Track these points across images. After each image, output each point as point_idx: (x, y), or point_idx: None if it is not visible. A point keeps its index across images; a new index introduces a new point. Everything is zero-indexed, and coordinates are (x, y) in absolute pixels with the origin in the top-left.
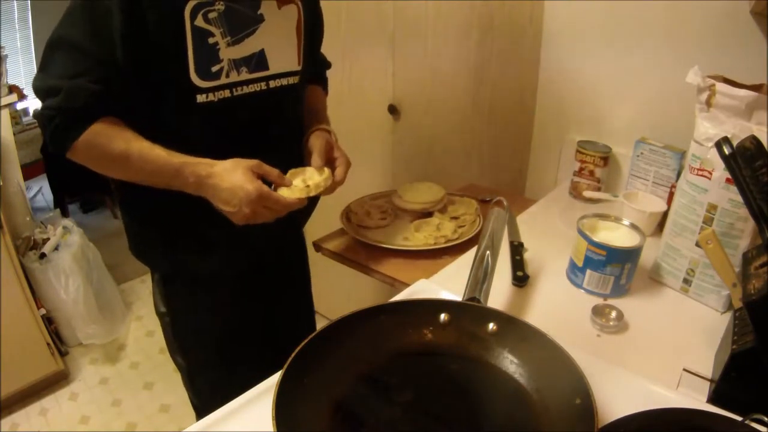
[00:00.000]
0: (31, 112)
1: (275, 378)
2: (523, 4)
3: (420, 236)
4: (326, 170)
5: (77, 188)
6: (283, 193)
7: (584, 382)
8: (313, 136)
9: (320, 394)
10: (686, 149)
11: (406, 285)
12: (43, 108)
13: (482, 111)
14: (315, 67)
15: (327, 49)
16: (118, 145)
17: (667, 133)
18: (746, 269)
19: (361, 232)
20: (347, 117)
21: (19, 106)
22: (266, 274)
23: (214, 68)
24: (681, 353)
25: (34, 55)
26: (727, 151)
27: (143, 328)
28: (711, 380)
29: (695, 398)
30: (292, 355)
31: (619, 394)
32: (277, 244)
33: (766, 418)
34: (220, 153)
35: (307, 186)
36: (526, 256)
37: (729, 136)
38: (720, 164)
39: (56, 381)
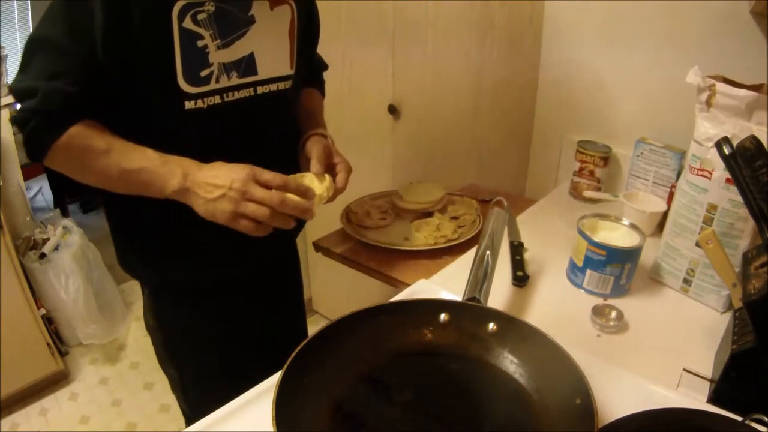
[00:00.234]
0: None
1: (275, 378)
2: (523, 4)
3: (420, 236)
4: (327, 178)
5: (77, 188)
6: None
7: (584, 382)
8: (310, 141)
9: (320, 394)
10: (686, 149)
11: (406, 285)
12: (19, 111)
13: (482, 111)
14: (311, 68)
15: (327, 49)
16: (99, 144)
17: (667, 133)
18: (746, 269)
19: (361, 232)
20: (347, 117)
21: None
22: (259, 287)
23: (203, 73)
24: (681, 353)
25: None
26: (727, 151)
27: (143, 328)
28: (711, 380)
29: (695, 398)
30: (292, 355)
31: (619, 394)
32: (269, 256)
33: (766, 418)
34: (210, 161)
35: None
36: (526, 256)
37: (729, 136)
38: (720, 164)
39: (56, 381)
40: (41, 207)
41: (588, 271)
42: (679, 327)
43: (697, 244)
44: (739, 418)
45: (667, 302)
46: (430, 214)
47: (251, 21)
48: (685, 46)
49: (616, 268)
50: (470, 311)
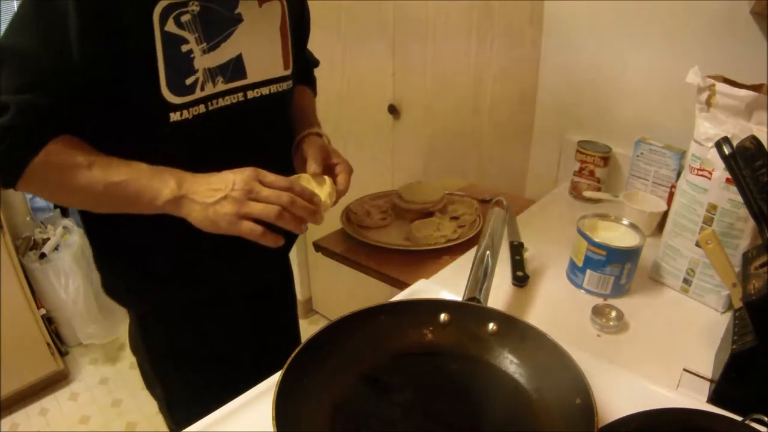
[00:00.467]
0: None
1: (275, 378)
2: (523, 4)
3: (420, 236)
4: (328, 181)
5: None
6: None
7: (584, 382)
8: (305, 141)
9: (320, 394)
10: (686, 149)
11: (406, 285)
12: None
13: (482, 111)
14: (302, 66)
15: (327, 49)
16: (80, 159)
17: (667, 133)
18: (746, 269)
19: (361, 232)
20: (347, 117)
21: None
22: (251, 305)
23: (189, 81)
24: (681, 353)
25: None
26: (727, 151)
27: None
28: (711, 380)
29: (695, 398)
30: (292, 355)
31: (619, 394)
32: (262, 273)
33: (766, 418)
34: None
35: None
36: (526, 256)
37: (729, 136)
38: (720, 164)
39: (56, 381)
40: (41, 207)
41: (588, 271)
42: (679, 327)
43: (697, 244)
44: (739, 418)
45: (667, 302)
46: (430, 214)
47: (238, 20)
48: (685, 46)
49: (616, 268)
50: (470, 311)
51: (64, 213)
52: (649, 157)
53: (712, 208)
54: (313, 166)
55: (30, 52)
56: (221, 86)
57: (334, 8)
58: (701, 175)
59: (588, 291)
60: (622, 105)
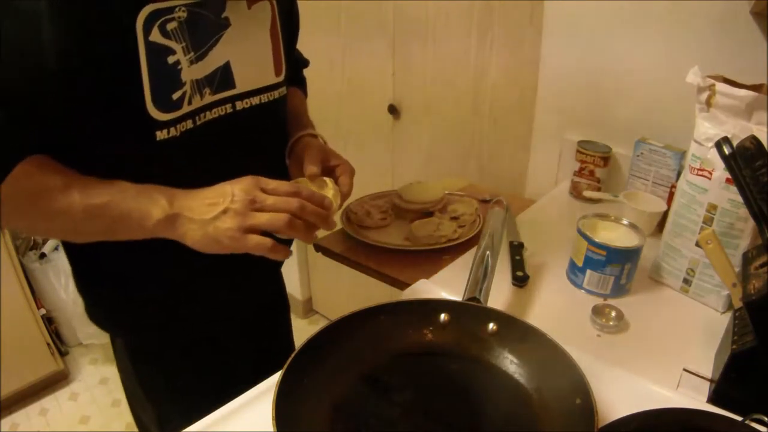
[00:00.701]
0: None
1: (275, 378)
2: (523, 4)
3: (420, 236)
4: (329, 182)
5: None
6: None
7: (584, 382)
8: (301, 144)
9: (320, 394)
10: (686, 149)
11: (406, 285)
12: None
13: (482, 111)
14: (292, 67)
15: (327, 49)
16: (53, 181)
17: (667, 133)
18: (746, 269)
19: (361, 232)
20: (347, 117)
21: None
22: (247, 326)
23: (176, 95)
24: (681, 353)
25: None
26: (727, 151)
27: None
28: (711, 380)
29: (695, 398)
30: (292, 355)
31: (619, 394)
32: (257, 291)
33: (766, 418)
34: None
35: None
36: (526, 256)
37: (729, 136)
38: (720, 164)
39: (56, 381)
40: None
41: (588, 271)
42: (679, 327)
43: (697, 244)
44: (739, 418)
45: (667, 302)
46: (430, 214)
47: (225, 24)
48: (685, 46)
49: (616, 268)
50: (470, 311)
51: None
52: (649, 157)
53: (712, 208)
54: (310, 167)
55: None
56: (208, 98)
57: (334, 8)
58: (701, 175)
59: (588, 291)
60: (622, 105)
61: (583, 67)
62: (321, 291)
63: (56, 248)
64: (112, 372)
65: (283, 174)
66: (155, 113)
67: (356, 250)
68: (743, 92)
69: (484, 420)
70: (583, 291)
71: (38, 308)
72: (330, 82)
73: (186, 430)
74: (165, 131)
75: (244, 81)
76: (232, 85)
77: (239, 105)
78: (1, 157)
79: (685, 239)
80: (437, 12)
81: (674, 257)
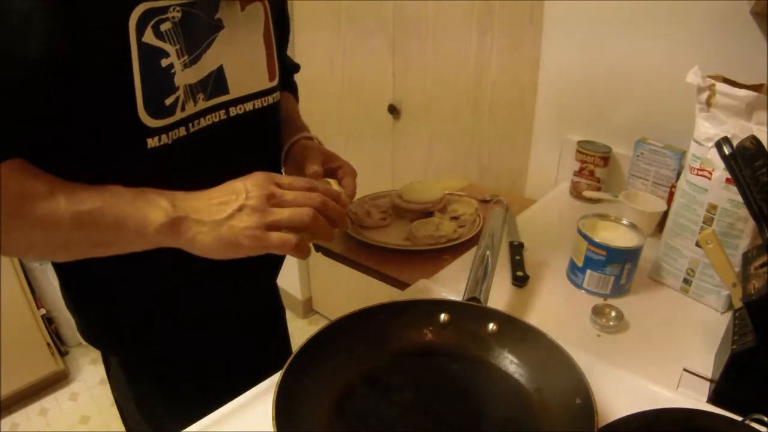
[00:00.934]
0: None
1: (275, 378)
2: (523, 4)
3: (420, 236)
4: (333, 183)
5: None
6: None
7: (584, 382)
8: (298, 146)
9: (320, 394)
10: (686, 149)
11: (406, 285)
12: None
13: (482, 111)
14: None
15: (327, 48)
16: (36, 187)
17: (667, 133)
18: (746, 269)
19: (361, 232)
20: (347, 117)
21: None
22: (244, 339)
23: (169, 100)
24: (681, 353)
25: None
26: (727, 151)
27: None
28: (711, 380)
29: (695, 398)
30: (292, 355)
31: (619, 394)
32: (252, 306)
33: (766, 418)
34: None
35: None
36: (526, 256)
37: (729, 136)
38: (720, 164)
39: (56, 381)
40: None
41: (588, 271)
42: (679, 327)
43: (697, 244)
44: (739, 418)
45: (667, 302)
46: (430, 214)
47: (218, 26)
48: (685, 46)
49: (616, 268)
50: (470, 311)
51: None
52: (649, 157)
53: (712, 208)
54: (312, 167)
55: None
56: (202, 104)
57: (334, 8)
58: (701, 175)
59: (588, 291)
60: (622, 105)
61: (583, 67)
62: (321, 291)
63: None
64: None
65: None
66: (146, 119)
67: (356, 250)
68: (743, 92)
69: (484, 420)
70: (583, 291)
71: (38, 308)
72: (330, 82)
73: (186, 430)
74: (156, 139)
75: (237, 86)
76: (226, 91)
77: (233, 111)
78: None
79: (685, 239)
80: (437, 12)
81: (674, 257)
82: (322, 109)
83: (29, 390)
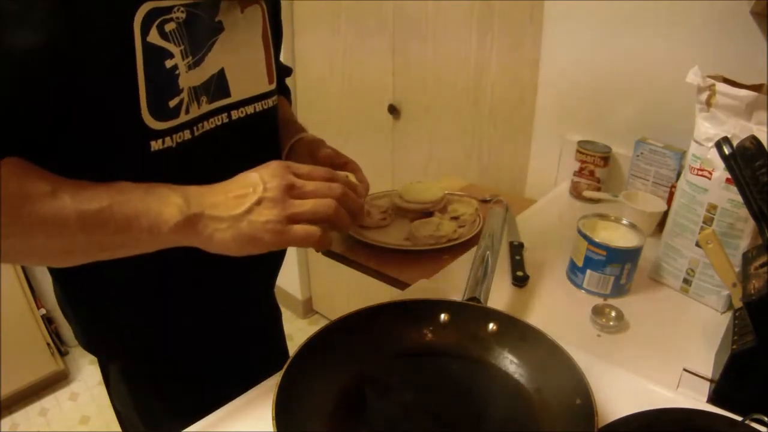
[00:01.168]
0: None
1: (275, 378)
2: (523, 3)
3: (420, 236)
4: (350, 176)
5: None
6: None
7: (584, 382)
8: (301, 144)
9: (320, 394)
10: (686, 149)
11: (406, 285)
12: None
13: (482, 111)
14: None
15: (327, 48)
16: (38, 186)
17: (667, 133)
18: (746, 269)
19: (361, 232)
20: (347, 117)
21: None
22: (240, 343)
23: (173, 102)
24: (681, 353)
25: None
26: (727, 151)
27: None
28: (711, 380)
29: (695, 398)
30: (292, 355)
31: (619, 394)
32: (250, 309)
33: (766, 418)
34: None
35: None
36: (526, 256)
37: (729, 136)
38: (720, 164)
39: (56, 381)
40: None
41: (588, 271)
42: (679, 327)
43: (697, 244)
44: (739, 418)
45: (667, 302)
46: (430, 214)
47: (219, 28)
48: (685, 46)
49: (616, 268)
50: (470, 311)
51: None
52: (649, 157)
53: (712, 208)
54: (325, 150)
55: None
56: (205, 107)
57: (334, 8)
58: (701, 175)
59: (588, 291)
60: (622, 105)
61: (583, 67)
62: (321, 291)
63: None
64: None
65: None
66: (150, 121)
67: (356, 250)
68: (743, 92)
69: (484, 420)
70: (583, 291)
71: (38, 308)
72: (330, 82)
73: (186, 430)
74: (160, 141)
75: (239, 89)
76: (227, 94)
77: (234, 114)
78: None
79: (685, 239)
80: (437, 12)
81: (674, 257)
82: (322, 109)
83: (29, 390)
